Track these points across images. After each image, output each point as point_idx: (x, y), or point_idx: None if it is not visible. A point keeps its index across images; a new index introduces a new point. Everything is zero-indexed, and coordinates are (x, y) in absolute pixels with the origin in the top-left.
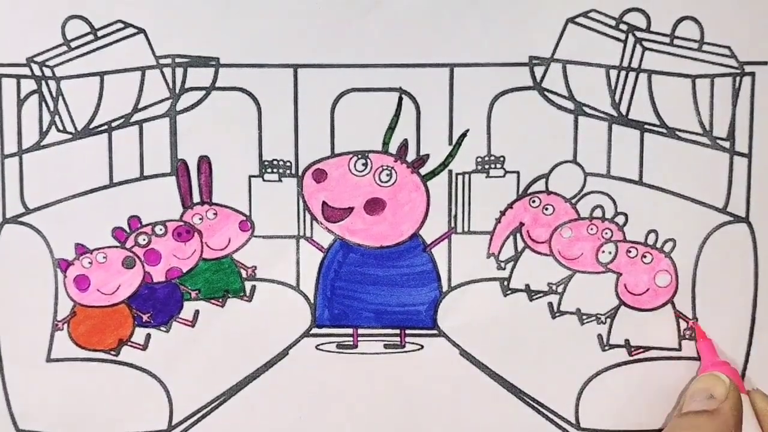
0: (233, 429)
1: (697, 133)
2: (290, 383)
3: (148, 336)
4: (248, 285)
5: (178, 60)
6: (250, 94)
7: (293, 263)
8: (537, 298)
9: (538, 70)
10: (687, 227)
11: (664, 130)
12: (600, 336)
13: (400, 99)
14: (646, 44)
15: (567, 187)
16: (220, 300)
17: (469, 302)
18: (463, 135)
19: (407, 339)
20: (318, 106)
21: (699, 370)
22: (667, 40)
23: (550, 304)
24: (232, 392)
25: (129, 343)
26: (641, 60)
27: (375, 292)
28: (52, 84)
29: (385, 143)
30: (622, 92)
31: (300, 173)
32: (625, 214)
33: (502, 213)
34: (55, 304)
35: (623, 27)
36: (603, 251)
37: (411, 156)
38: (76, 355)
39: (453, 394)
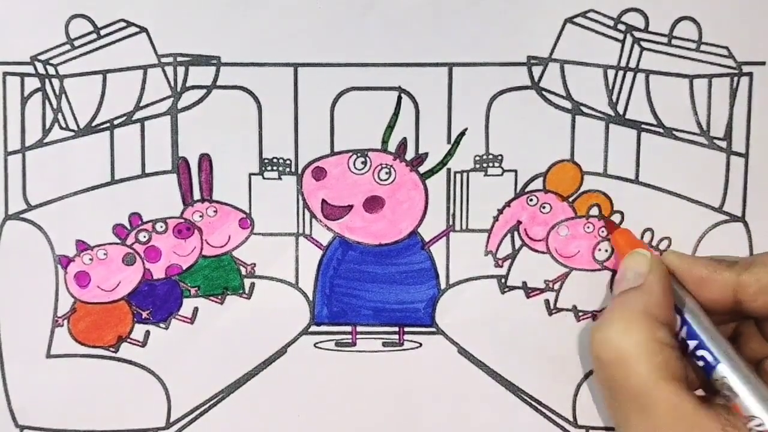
0: (231, 426)
1: (694, 133)
2: (289, 381)
3: (147, 333)
4: (247, 282)
5: (179, 59)
6: (250, 93)
7: (292, 261)
8: (534, 296)
9: (536, 70)
10: (683, 226)
11: (661, 130)
12: None
13: (399, 98)
14: (644, 44)
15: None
16: (220, 297)
17: (466, 300)
18: (462, 134)
19: (406, 337)
20: (318, 104)
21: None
22: (665, 40)
23: (547, 302)
24: (230, 390)
25: (128, 340)
26: (639, 60)
27: (374, 290)
28: (56, 82)
29: (384, 142)
30: (620, 92)
31: (300, 171)
32: (622, 213)
33: (500, 211)
34: (56, 300)
35: (621, 27)
36: (599, 249)
37: (410, 154)
38: (75, 351)
39: (451, 392)
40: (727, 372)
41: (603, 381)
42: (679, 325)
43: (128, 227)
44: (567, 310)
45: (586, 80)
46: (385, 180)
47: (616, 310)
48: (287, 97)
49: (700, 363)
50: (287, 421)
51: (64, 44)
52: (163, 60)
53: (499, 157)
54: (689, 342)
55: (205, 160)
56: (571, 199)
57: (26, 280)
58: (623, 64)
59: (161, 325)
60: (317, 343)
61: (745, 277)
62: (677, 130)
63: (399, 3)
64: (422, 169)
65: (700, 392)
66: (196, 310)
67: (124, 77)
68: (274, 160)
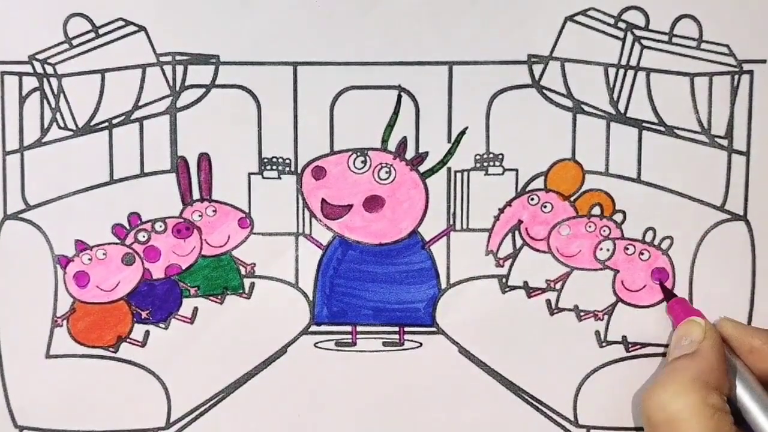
0: (231, 426)
1: (695, 131)
2: (289, 381)
3: (147, 333)
4: (247, 282)
5: (178, 58)
6: (249, 92)
7: (292, 260)
8: (535, 295)
9: (537, 68)
10: (685, 225)
11: (662, 128)
12: (597, 332)
13: (400, 97)
14: (644, 42)
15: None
16: (219, 297)
17: (467, 299)
18: (462, 133)
19: (406, 336)
20: (317, 103)
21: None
22: (665, 38)
23: (548, 301)
24: (230, 390)
25: (128, 340)
26: (640, 58)
27: (374, 290)
28: (54, 81)
29: (384, 141)
30: (621, 90)
31: (299, 170)
32: (623, 212)
33: (501, 210)
34: (55, 300)
35: (622, 25)
36: (601, 248)
37: (410, 153)
38: (75, 351)
39: (452, 392)
40: None
41: None
42: (732, 392)
43: (127, 227)
44: (568, 310)
45: (587, 79)
46: (385, 179)
47: (668, 375)
48: (287, 96)
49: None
50: (287, 421)
51: (62, 43)
52: (162, 59)
53: (500, 156)
54: (742, 409)
55: (204, 159)
56: (572, 199)
57: (25, 280)
58: (624, 62)
59: (161, 325)
60: (317, 342)
61: None
62: (678, 129)
63: (399, 2)
64: (422, 168)
65: None
66: (195, 310)
67: (123, 76)
68: (274, 160)
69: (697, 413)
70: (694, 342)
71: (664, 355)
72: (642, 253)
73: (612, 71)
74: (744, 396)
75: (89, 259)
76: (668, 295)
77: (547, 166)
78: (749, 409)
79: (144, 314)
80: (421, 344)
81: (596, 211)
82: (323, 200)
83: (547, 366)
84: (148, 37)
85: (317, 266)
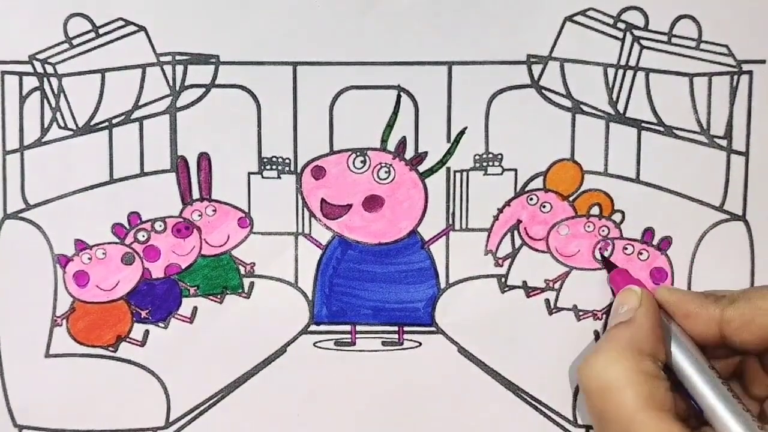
0: (231, 426)
1: (694, 132)
2: (288, 380)
3: (147, 332)
4: (246, 282)
5: (178, 57)
6: (249, 92)
7: (292, 260)
8: (534, 295)
9: (536, 69)
10: (684, 225)
11: (661, 129)
12: (596, 332)
13: (399, 97)
14: (643, 42)
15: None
16: (219, 296)
17: (466, 299)
18: (461, 133)
19: (405, 336)
20: (317, 103)
21: None
22: (664, 38)
23: (547, 301)
24: (229, 389)
25: (127, 340)
26: (639, 58)
27: (373, 289)
28: (54, 81)
29: (384, 141)
30: (620, 90)
31: (299, 170)
32: (622, 212)
33: (500, 210)
34: (54, 299)
35: (621, 25)
36: (600, 248)
37: (409, 153)
38: (74, 350)
39: (451, 392)
40: (713, 402)
41: (591, 410)
42: (669, 358)
43: (127, 226)
44: (567, 309)
45: (586, 79)
46: (385, 179)
47: (603, 343)
48: (286, 95)
49: (690, 395)
50: (287, 421)
51: (62, 43)
52: (162, 59)
53: (499, 156)
54: (679, 374)
55: (204, 159)
56: (571, 199)
57: (25, 279)
58: (623, 62)
59: (160, 324)
60: (317, 342)
61: (729, 312)
62: (677, 129)
63: (398, 2)
64: (422, 168)
65: None
66: (195, 309)
67: (123, 76)
68: (273, 159)
69: (630, 380)
70: (630, 310)
71: None
72: (641, 253)
73: (611, 71)
74: (680, 360)
75: (89, 259)
76: (609, 266)
77: (546, 166)
78: (685, 374)
79: (143, 314)
80: (420, 344)
81: (595, 210)
82: (323, 200)
83: (547, 366)
84: (148, 37)
85: (317, 266)
